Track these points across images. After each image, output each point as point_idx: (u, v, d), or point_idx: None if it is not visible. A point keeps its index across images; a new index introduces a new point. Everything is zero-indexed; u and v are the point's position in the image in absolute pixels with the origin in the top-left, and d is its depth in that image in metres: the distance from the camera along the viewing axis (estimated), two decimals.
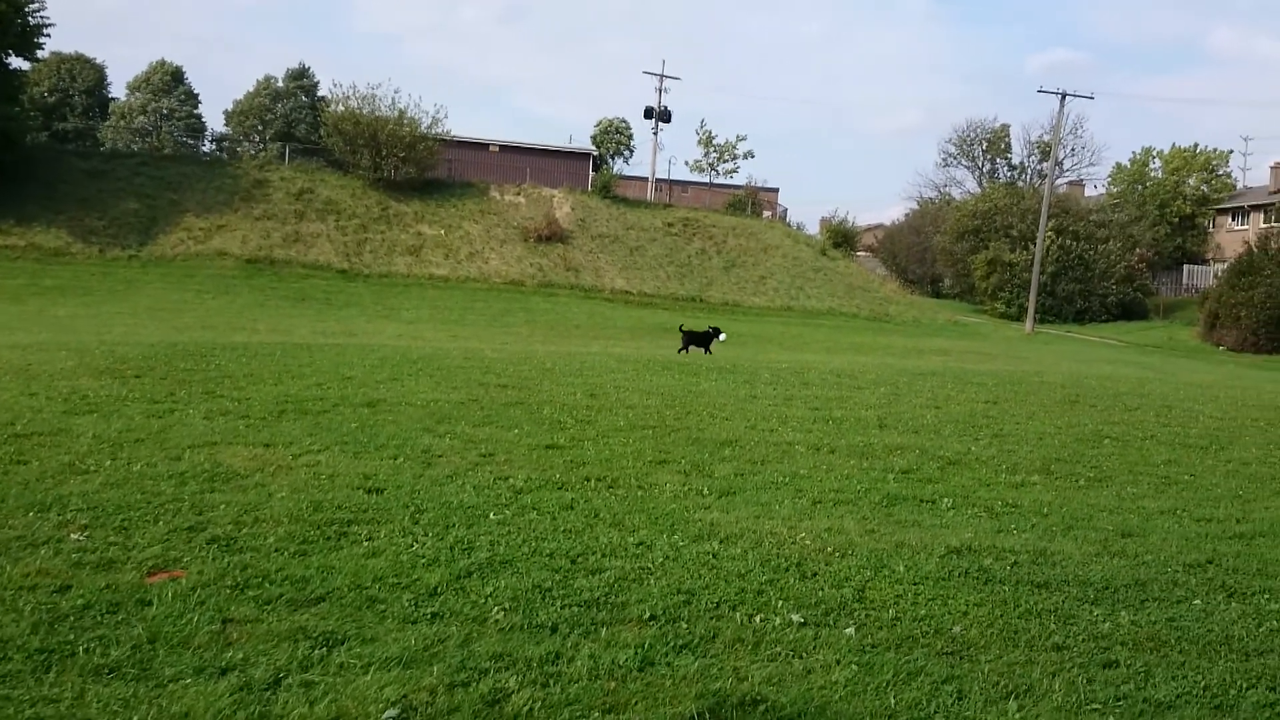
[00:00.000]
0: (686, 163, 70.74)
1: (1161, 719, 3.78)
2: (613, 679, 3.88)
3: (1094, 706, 3.84)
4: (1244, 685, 4.13)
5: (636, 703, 3.71)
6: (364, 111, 47.83)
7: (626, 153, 64.62)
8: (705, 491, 7.00)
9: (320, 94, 62.21)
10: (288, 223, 43.52)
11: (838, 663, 4.12)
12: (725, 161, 68.64)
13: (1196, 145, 70.45)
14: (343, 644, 4.04)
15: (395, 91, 64.88)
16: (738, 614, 4.61)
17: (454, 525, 5.74)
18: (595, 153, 60.12)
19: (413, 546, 5.30)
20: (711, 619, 4.55)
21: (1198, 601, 5.14)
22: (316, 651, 3.96)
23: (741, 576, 5.13)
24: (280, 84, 66.25)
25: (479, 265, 44.00)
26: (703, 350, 19.65)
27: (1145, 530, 6.63)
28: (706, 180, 69.08)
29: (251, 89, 66.22)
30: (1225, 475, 8.88)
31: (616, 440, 8.70)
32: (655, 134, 61.82)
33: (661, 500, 6.65)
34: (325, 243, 42.88)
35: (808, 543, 5.78)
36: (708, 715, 3.65)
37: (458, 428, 8.83)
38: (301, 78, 66.46)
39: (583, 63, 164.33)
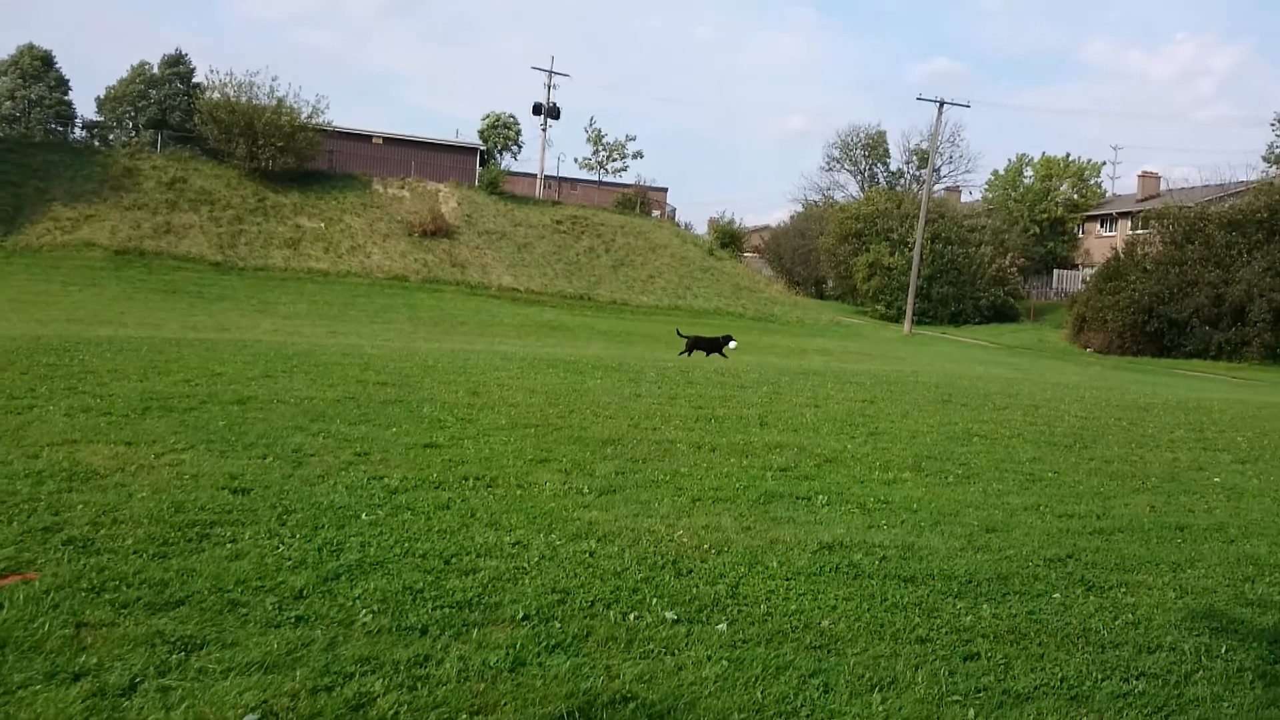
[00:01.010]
0: (575, 160, 70.69)
1: (1020, 710, 3.89)
2: (483, 680, 3.83)
3: (955, 698, 3.94)
4: (1099, 677, 4.27)
5: (506, 704, 3.67)
6: (241, 99, 46.51)
7: (515, 149, 64.31)
8: (585, 490, 6.98)
9: (196, 81, 60.19)
10: (159, 213, 42.08)
11: (709, 659, 4.15)
12: (615, 160, 68.82)
13: (1068, 154, 73.36)
14: (202, 648, 3.90)
15: (274, 79, 63.63)
16: (612, 612, 4.60)
17: (323, 526, 5.60)
18: (483, 148, 59.63)
19: (279, 549, 5.14)
20: (585, 618, 4.53)
21: (1057, 595, 5.32)
22: (175, 656, 3.81)
23: (617, 575, 5.12)
24: (155, 70, 63.85)
25: (360, 259, 43.21)
26: (718, 354, 19.79)
27: (1009, 525, 6.84)
28: (596, 178, 69.12)
29: (125, 75, 63.66)
30: (1088, 473, 9.20)
31: (497, 439, 8.62)
32: (544, 130, 61.65)
33: (541, 499, 6.61)
34: (198, 234, 41.58)
35: (685, 540, 5.81)
36: (578, 714, 3.62)
37: (332, 426, 8.63)
38: (178, 64, 64.07)
39: (471, 57, 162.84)
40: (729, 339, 20.49)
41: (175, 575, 4.64)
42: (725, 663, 4.12)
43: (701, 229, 72.33)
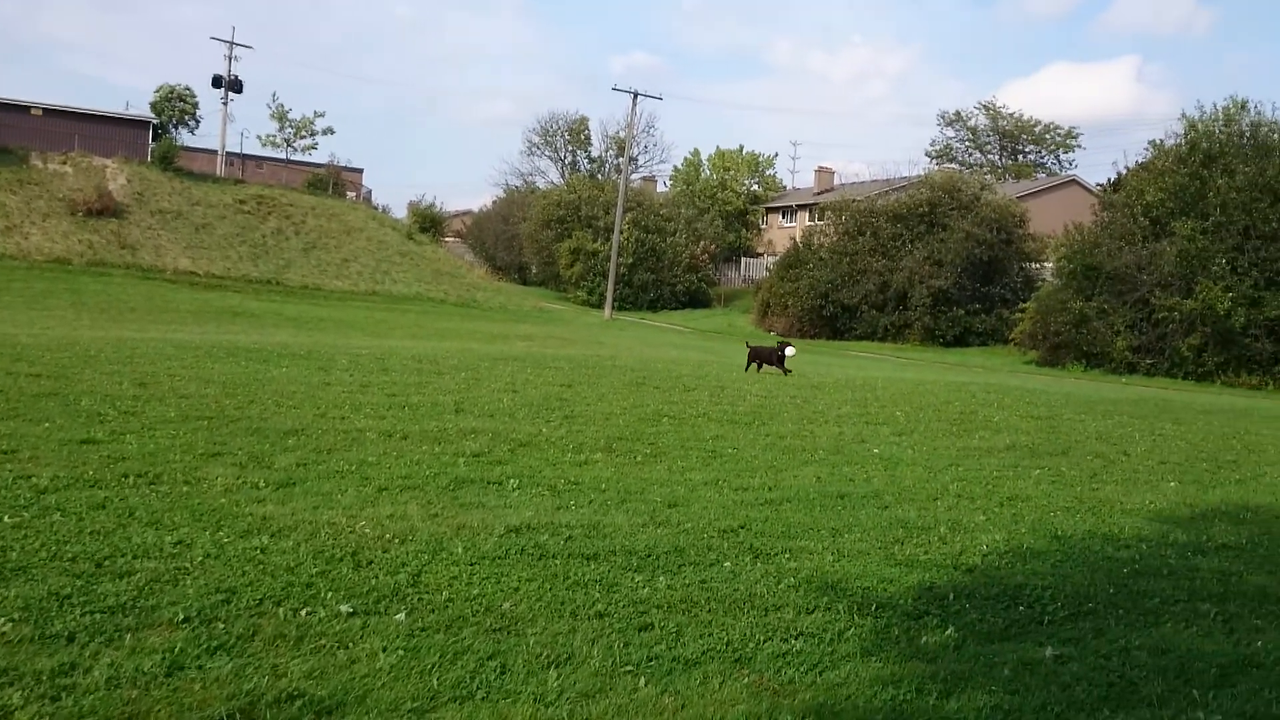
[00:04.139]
0: (259, 137, 67.08)
1: (688, 675, 4.05)
2: (135, 687, 3.58)
3: (628, 668, 4.05)
4: (762, 638, 4.52)
5: (161, 710, 3.44)
6: None
7: (192, 123, 59.96)
8: (261, 484, 6.64)
9: None
10: None
11: (384, 650, 4.05)
12: (303, 138, 65.84)
13: (742, 147, 77.45)
14: None
15: None
16: (282, 609, 4.40)
17: None
18: (156, 121, 55.37)
19: None
20: (252, 617, 4.31)
21: (728, 564, 5.59)
22: None
23: (290, 570, 4.90)
24: None
25: (17, 241, 39.18)
26: (779, 370, 17.95)
27: (689, 500, 7.13)
28: (284, 157, 66.03)
29: None
30: (764, 448, 9.74)
31: (164, 433, 8.04)
32: (225, 104, 58.19)
33: (210, 495, 6.22)
34: None
35: (367, 531, 5.65)
36: (239, 716, 3.45)
37: None
38: None
39: (144, 24, 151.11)
40: (785, 345, 18.82)
41: None
42: (401, 652, 4.04)
43: (401, 212, 70.92)
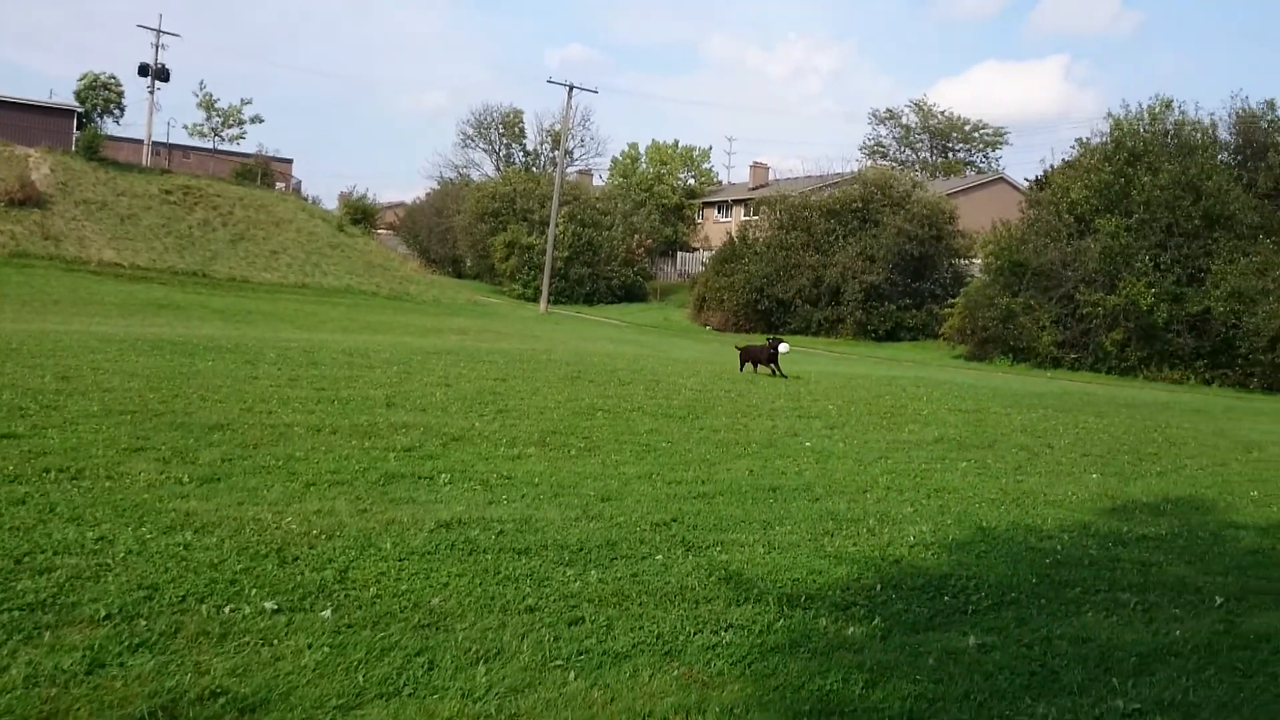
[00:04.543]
0: (186, 127, 65.69)
1: (618, 669, 4.05)
2: (54, 685, 3.52)
3: (558, 663, 4.05)
4: (692, 631, 4.54)
5: (81, 708, 3.39)
6: None
7: (117, 112, 58.52)
8: (185, 479, 6.51)
9: None
10: None
11: (309, 646, 4.01)
12: (230, 127, 64.63)
13: (677, 142, 77.64)
14: None
15: None
16: (205, 606, 4.33)
17: None
18: (80, 110, 53.97)
19: None
20: (175, 614, 4.23)
21: (660, 557, 5.61)
22: None
23: (214, 567, 4.82)
24: None
25: None
26: (770, 371, 17.07)
27: (623, 494, 7.14)
28: (211, 146, 64.76)
29: None
30: (698, 442, 9.79)
31: (87, 427, 7.85)
32: (151, 93, 56.87)
33: (132, 491, 6.08)
34: None
35: (293, 527, 5.57)
36: (160, 714, 3.39)
37: None
38: None
39: (68, 10, 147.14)
40: (779, 342, 17.63)
41: None
42: (327, 649, 3.99)
43: (332, 204, 69.90)
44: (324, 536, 5.44)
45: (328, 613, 4.37)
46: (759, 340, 18.88)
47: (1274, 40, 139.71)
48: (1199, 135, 38.12)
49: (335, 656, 3.93)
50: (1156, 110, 39.25)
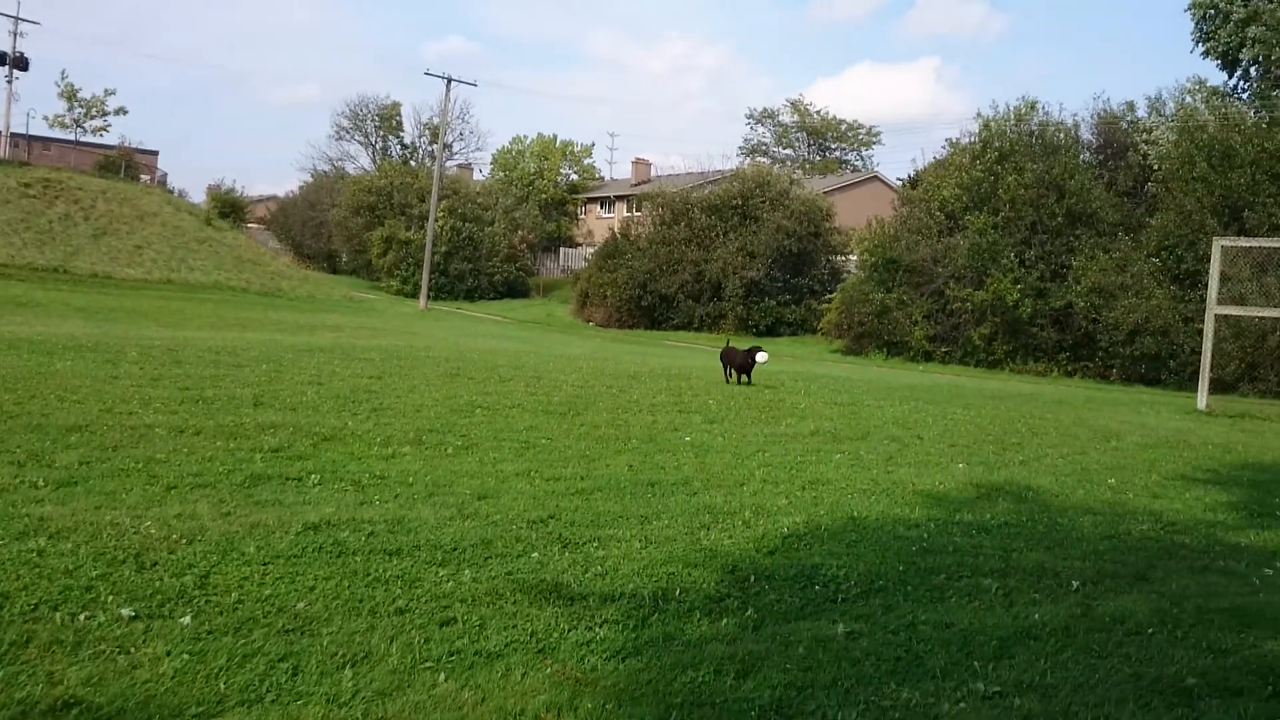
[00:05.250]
0: (46, 118, 62.93)
1: (490, 668, 4.00)
2: None
3: (428, 665, 3.98)
4: (566, 628, 4.51)
5: None
6: None
7: None
8: (40, 483, 6.21)
9: None
10: None
11: (168, 654, 3.86)
12: (93, 118, 62.09)
13: (556, 137, 77.52)
14: None
15: None
16: (58, 614, 4.13)
17: None
18: None
19: None
20: (26, 622, 4.03)
21: (536, 554, 5.57)
22: None
23: (69, 573, 4.60)
24: None
25: None
26: (738, 379, 16.01)
27: (499, 492, 7.07)
28: (73, 138, 62.05)
29: None
30: (578, 438, 9.76)
31: None
32: (9, 83, 54.42)
33: None
34: None
35: (153, 531, 5.35)
36: None
37: None
38: None
39: None
40: (757, 350, 16.28)
41: None
42: (187, 656, 3.85)
43: (200, 197, 67.72)
44: (185, 541, 5.24)
45: (188, 619, 4.21)
46: (745, 342, 17.70)
47: (1133, 44, 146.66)
48: (1062, 136, 39.80)
49: (195, 664, 3.80)
50: (1023, 111, 40.80)
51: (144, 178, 56.38)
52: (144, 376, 11.39)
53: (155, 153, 66.90)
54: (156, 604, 4.36)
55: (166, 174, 68.61)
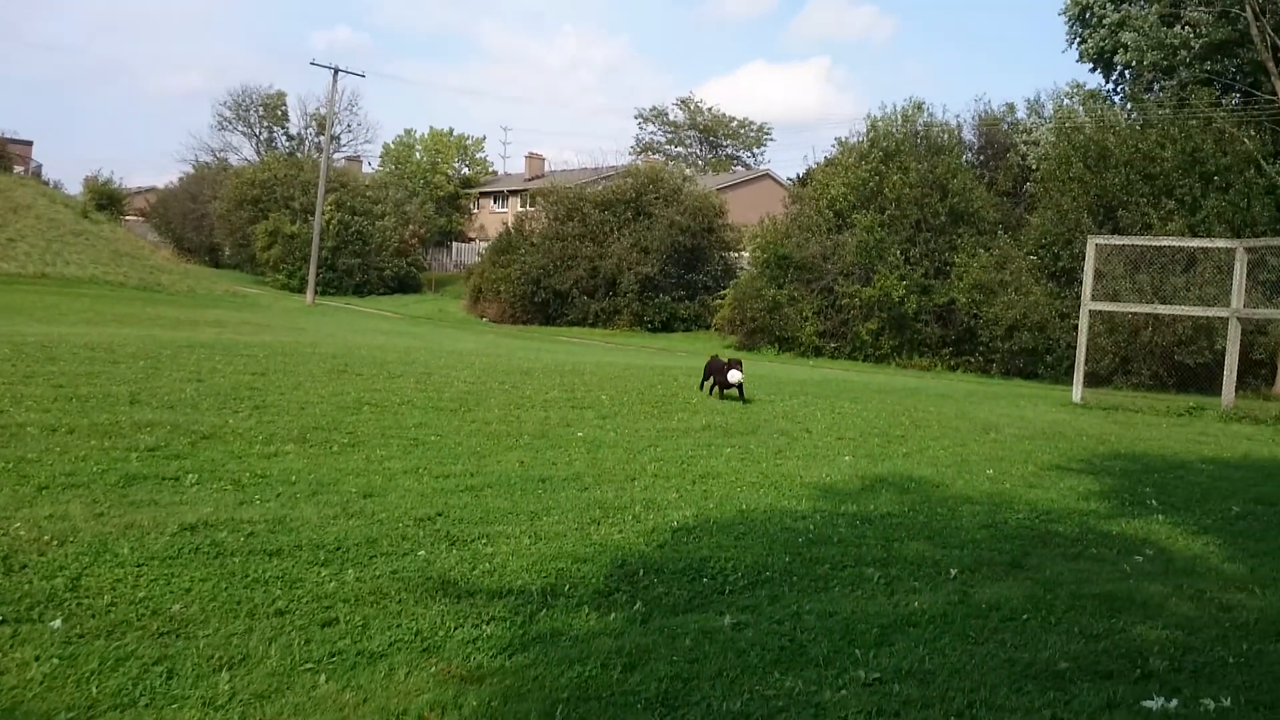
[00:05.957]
0: None
1: (373, 669, 3.95)
2: None
3: (308, 666, 3.91)
4: (453, 626, 4.48)
5: None
6: None
7: None
8: None
9: None
10: None
11: (37, 659, 3.73)
12: None
13: (451, 130, 76.74)
14: None
15: None
16: None
17: None
18: None
19: None
20: None
21: (422, 552, 5.51)
22: None
23: None
24: None
25: None
26: (709, 389, 14.84)
27: (386, 490, 6.98)
28: None
29: None
30: (469, 434, 9.67)
31: None
32: None
33: None
34: None
35: (22, 533, 5.15)
36: None
37: None
38: None
39: None
40: (734, 364, 14.69)
41: None
42: (56, 661, 3.73)
43: (76, 188, 65.15)
44: (55, 542, 5.05)
45: (58, 623, 4.07)
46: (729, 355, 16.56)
47: (1014, 47, 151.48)
48: (946, 136, 40.89)
49: (66, 668, 3.67)
50: (909, 112, 41.84)
51: (17, 169, 53.98)
52: (16, 374, 10.92)
53: (29, 143, 64.18)
54: (25, 608, 4.20)
55: (41, 165, 65.93)
